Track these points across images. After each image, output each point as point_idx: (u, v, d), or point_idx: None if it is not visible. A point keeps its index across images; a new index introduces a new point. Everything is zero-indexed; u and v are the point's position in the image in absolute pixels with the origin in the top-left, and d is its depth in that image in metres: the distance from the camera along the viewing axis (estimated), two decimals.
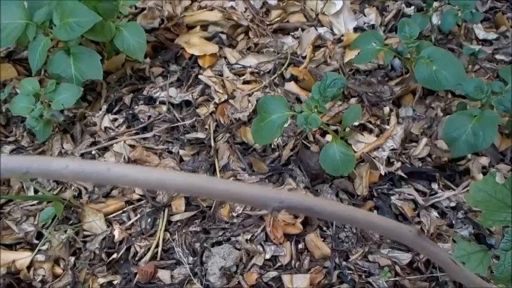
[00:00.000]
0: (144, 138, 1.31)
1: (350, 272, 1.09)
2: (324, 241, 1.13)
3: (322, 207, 0.45)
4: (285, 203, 0.43)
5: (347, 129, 1.29)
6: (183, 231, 1.15)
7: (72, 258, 1.14)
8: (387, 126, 1.33)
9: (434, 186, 1.22)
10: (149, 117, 1.35)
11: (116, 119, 1.35)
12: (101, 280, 1.10)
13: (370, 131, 1.32)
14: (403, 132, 1.30)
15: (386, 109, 1.36)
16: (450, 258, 0.56)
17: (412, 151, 1.28)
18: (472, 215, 1.18)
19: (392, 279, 1.08)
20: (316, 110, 1.15)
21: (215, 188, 0.43)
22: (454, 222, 1.16)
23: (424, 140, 1.29)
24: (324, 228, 1.16)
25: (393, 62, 1.47)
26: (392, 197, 1.19)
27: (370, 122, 1.34)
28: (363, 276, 1.09)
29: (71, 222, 1.19)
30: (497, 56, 1.53)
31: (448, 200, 1.19)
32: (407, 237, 0.51)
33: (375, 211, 1.18)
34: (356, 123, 1.32)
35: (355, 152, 1.26)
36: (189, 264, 1.11)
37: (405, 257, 1.10)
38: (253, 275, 1.08)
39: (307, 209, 0.44)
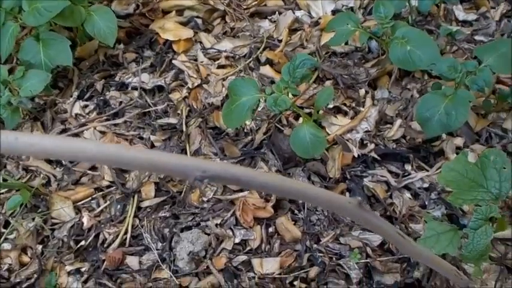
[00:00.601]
0: (115, 125, 1.29)
1: (321, 254, 1.08)
2: (295, 224, 1.12)
3: (248, 176, 0.43)
4: (207, 173, 0.42)
5: (320, 112, 1.27)
6: (153, 217, 1.14)
7: (40, 247, 1.12)
8: (362, 109, 1.31)
9: (408, 167, 1.21)
10: (120, 103, 1.33)
11: (86, 106, 1.33)
12: (69, 268, 1.09)
13: (345, 114, 1.31)
14: (377, 114, 1.28)
15: (362, 91, 1.34)
16: (396, 231, 0.54)
17: (387, 133, 1.26)
18: (445, 196, 1.16)
19: (363, 260, 1.07)
20: (286, 91, 1.13)
21: (137, 158, 0.41)
22: (426, 203, 1.15)
23: (399, 122, 1.27)
24: (296, 212, 1.14)
25: (370, 44, 1.45)
26: (365, 179, 1.18)
27: (344, 105, 1.32)
28: (334, 258, 1.07)
29: (39, 210, 1.18)
30: (477, 37, 1.51)
31: (421, 181, 1.18)
32: (347, 209, 0.50)
33: (347, 193, 1.16)
34: (330, 106, 1.31)
35: (328, 134, 1.25)
36: (157, 250, 1.09)
37: (376, 239, 1.09)
38: (222, 259, 1.07)
39: (232, 178, 0.43)
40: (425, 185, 1.17)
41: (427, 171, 1.20)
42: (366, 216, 0.51)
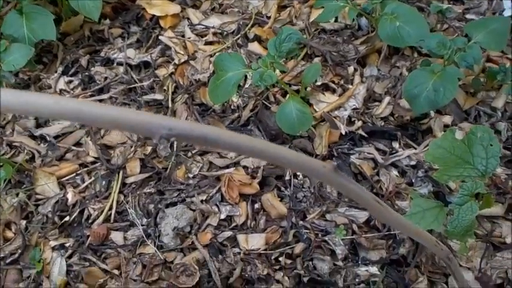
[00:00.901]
0: (100, 100, 1.27)
1: (306, 231, 1.07)
2: (281, 201, 1.11)
3: (216, 135, 0.42)
4: (174, 131, 0.40)
5: (308, 89, 1.26)
6: (138, 193, 1.13)
7: (24, 222, 1.11)
8: (350, 86, 1.29)
9: (395, 145, 1.20)
10: (106, 78, 1.31)
11: (71, 81, 1.31)
12: (53, 243, 1.08)
13: (333, 91, 1.29)
14: (366, 91, 1.27)
15: (351, 69, 1.32)
16: (373, 197, 0.53)
17: (375, 110, 1.25)
18: (432, 174, 1.16)
19: (349, 237, 1.06)
20: (272, 66, 1.12)
21: (98, 114, 0.39)
22: (413, 180, 1.14)
23: (387, 99, 1.26)
24: (282, 189, 1.14)
25: (360, 21, 1.43)
26: (352, 156, 1.17)
27: (333, 82, 1.30)
28: (320, 235, 1.07)
29: (23, 186, 1.16)
30: (468, 16, 1.49)
31: (409, 159, 1.17)
32: (322, 173, 0.49)
33: None
34: (318, 83, 1.29)
35: (316, 111, 1.24)
36: (142, 225, 1.09)
37: (362, 215, 1.09)
38: (207, 235, 1.06)
39: (200, 137, 0.41)
40: (413, 163, 1.17)
41: (415, 149, 1.19)
42: (342, 181, 0.50)
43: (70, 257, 1.07)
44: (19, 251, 1.08)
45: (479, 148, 1.01)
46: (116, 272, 1.04)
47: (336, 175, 0.49)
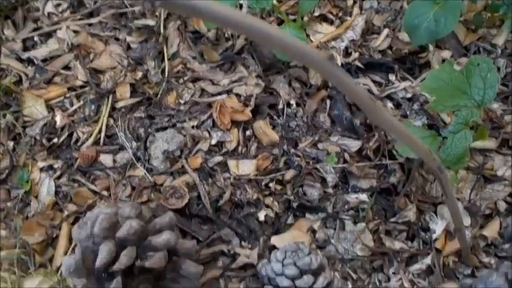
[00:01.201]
0: (90, 24, 1.23)
1: (298, 158, 1.07)
2: (273, 129, 1.10)
3: (206, 4, 0.39)
4: None
5: (305, 19, 1.22)
6: (127, 117, 1.11)
7: (11, 143, 1.09)
8: (349, 18, 1.26)
9: (392, 77, 1.18)
10: (95, 2, 1.26)
11: (59, 4, 1.26)
12: (41, 164, 1.07)
13: (331, 22, 1.25)
14: (364, 23, 1.23)
15: (350, 1, 1.28)
16: (367, 94, 0.52)
17: (373, 43, 1.22)
18: (427, 107, 1.14)
19: (340, 165, 1.06)
20: None
21: None
22: (408, 113, 1.13)
23: (386, 31, 1.23)
24: (275, 117, 1.12)
25: None
26: None
27: (331, 13, 1.26)
28: (311, 162, 1.06)
29: (11, 109, 1.14)
30: None
31: (405, 91, 1.15)
32: (317, 61, 0.46)
33: (328, 100, 1.14)
34: (316, 14, 1.25)
35: (312, 41, 1.20)
36: (132, 149, 1.07)
37: (355, 145, 1.08)
38: (197, 160, 1.05)
39: (188, 5, 0.39)
40: (409, 95, 1.15)
41: (411, 82, 1.17)
42: (338, 73, 0.48)
43: (58, 178, 1.06)
44: (7, 171, 1.06)
45: (478, 78, 0.98)
46: (105, 193, 1.04)
47: (332, 65, 0.47)
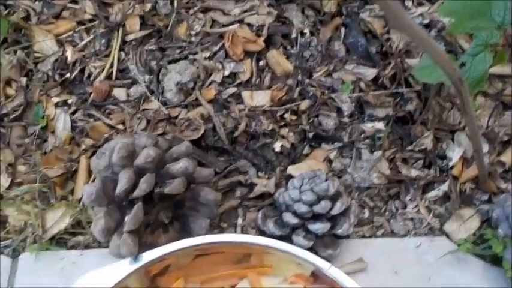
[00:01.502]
0: None
1: (312, 88, 1.05)
2: (287, 59, 1.08)
3: None
4: None
5: None
6: (139, 50, 1.09)
7: (24, 79, 1.09)
8: None
9: (409, 3, 1.14)
10: None
11: None
12: (55, 99, 1.07)
13: None
14: None
15: None
16: None
17: None
18: (445, 33, 1.11)
19: (355, 94, 1.04)
20: None
21: None
22: None
23: None
24: (288, 48, 1.10)
25: None
26: (361, 14, 1.11)
27: None
28: (326, 92, 1.05)
29: (21, 45, 1.12)
30: None
31: (422, 17, 1.11)
32: None
33: (342, 28, 1.10)
34: None
35: None
36: (145, 82, 1.06)
37: (370, 73, 1.06)
38: (211, 91, 1.04)
39: None
40: (426, 21, 1.11)
41: (429, 7, 1.13)
42: None
43: (73, 113, 1.06)
44: (21, 107, 1.06)
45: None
46: (121, 127, 1.04)
47: None
